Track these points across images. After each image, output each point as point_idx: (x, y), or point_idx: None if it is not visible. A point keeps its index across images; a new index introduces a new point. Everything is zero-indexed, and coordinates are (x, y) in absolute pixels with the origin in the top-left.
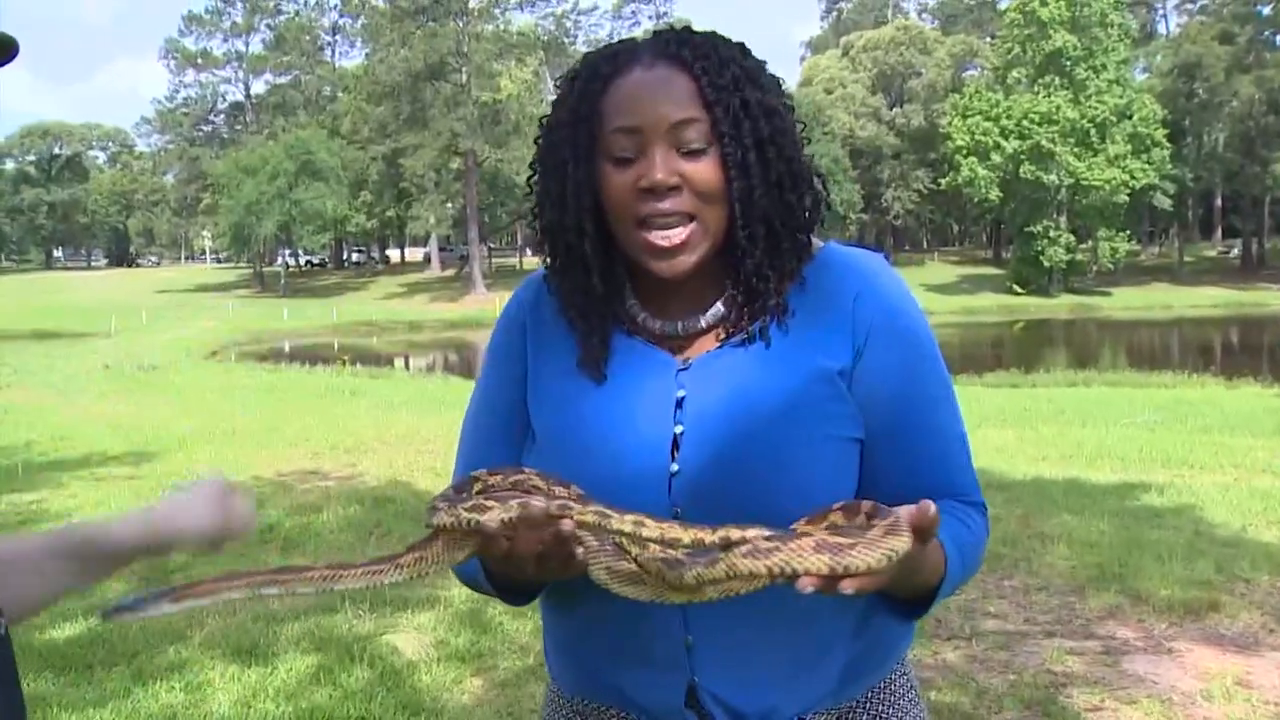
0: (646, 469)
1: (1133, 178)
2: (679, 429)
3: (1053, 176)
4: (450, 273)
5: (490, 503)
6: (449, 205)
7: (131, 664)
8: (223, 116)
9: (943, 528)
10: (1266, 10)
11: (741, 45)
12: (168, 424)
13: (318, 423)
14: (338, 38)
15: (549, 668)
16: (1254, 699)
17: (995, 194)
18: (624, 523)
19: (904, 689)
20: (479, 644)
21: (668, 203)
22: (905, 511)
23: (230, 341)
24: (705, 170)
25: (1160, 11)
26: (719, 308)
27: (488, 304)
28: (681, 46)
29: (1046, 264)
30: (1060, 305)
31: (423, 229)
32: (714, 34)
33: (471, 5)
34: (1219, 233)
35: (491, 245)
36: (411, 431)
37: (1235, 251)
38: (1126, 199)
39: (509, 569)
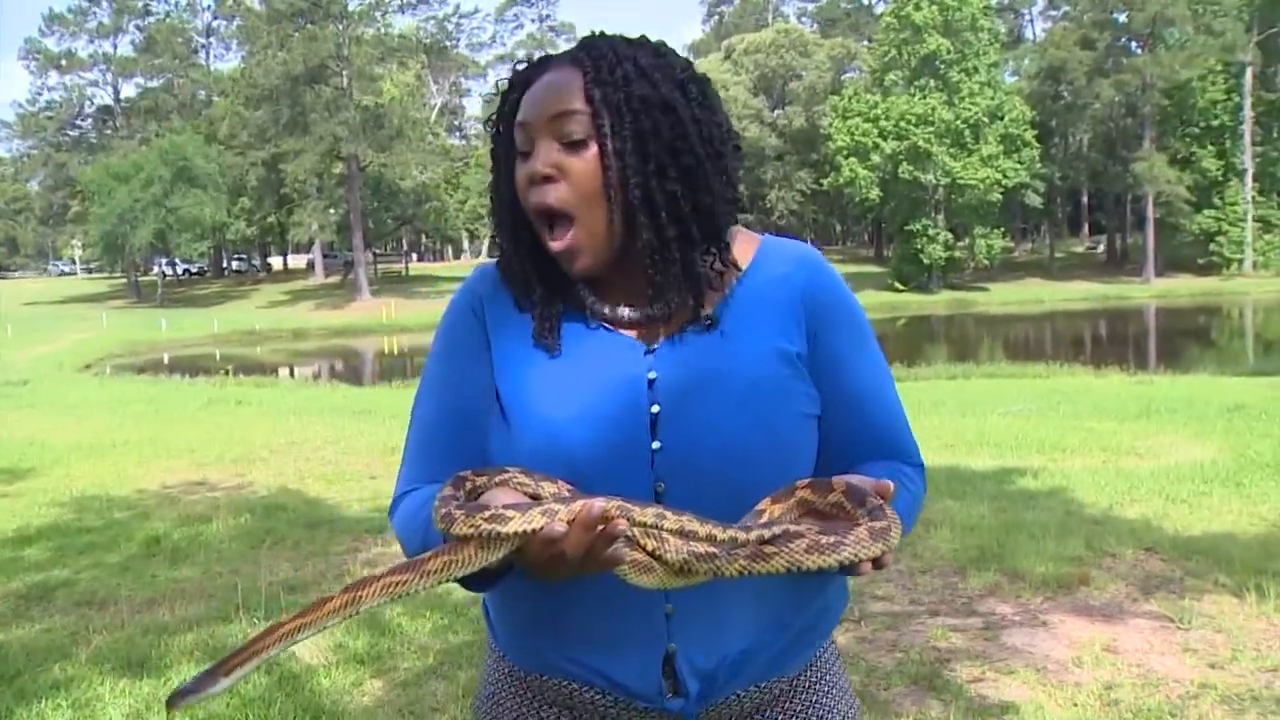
0: (629, 447)
1: (1005, 177)
2: (655, 408)
3: (930, 176)
4: (335, 279)
5: (510, 512)
6: (332, 211)
7: (13, 684)
8: (90, 121)
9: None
10: (1123, 18)
11: (650, 45)
12: (43, 439)
13: (203, 434)
14: (212, 40)
15: (499, 646)
16: (1119, 663)
17: (875, 193)
18: (645, 515)
19: (834, 655)
20: (378, 646)
21: (549, 196)
22: (871, 485)
23: (105, 354)
24: (582, 163)
25: (1027, 17)
26: (652, 302)
27: (373, 310)
28: (581, 49)
29: (926, 261)
30: (940, 301)
31: (305, 235)
32: (621, 36)
33: (351, 8)
34: (1086, 229)
35: (376, 251)
36: (300, 439)
37: (1101, 247)
38: (1000, 197)
39: (542, 568)
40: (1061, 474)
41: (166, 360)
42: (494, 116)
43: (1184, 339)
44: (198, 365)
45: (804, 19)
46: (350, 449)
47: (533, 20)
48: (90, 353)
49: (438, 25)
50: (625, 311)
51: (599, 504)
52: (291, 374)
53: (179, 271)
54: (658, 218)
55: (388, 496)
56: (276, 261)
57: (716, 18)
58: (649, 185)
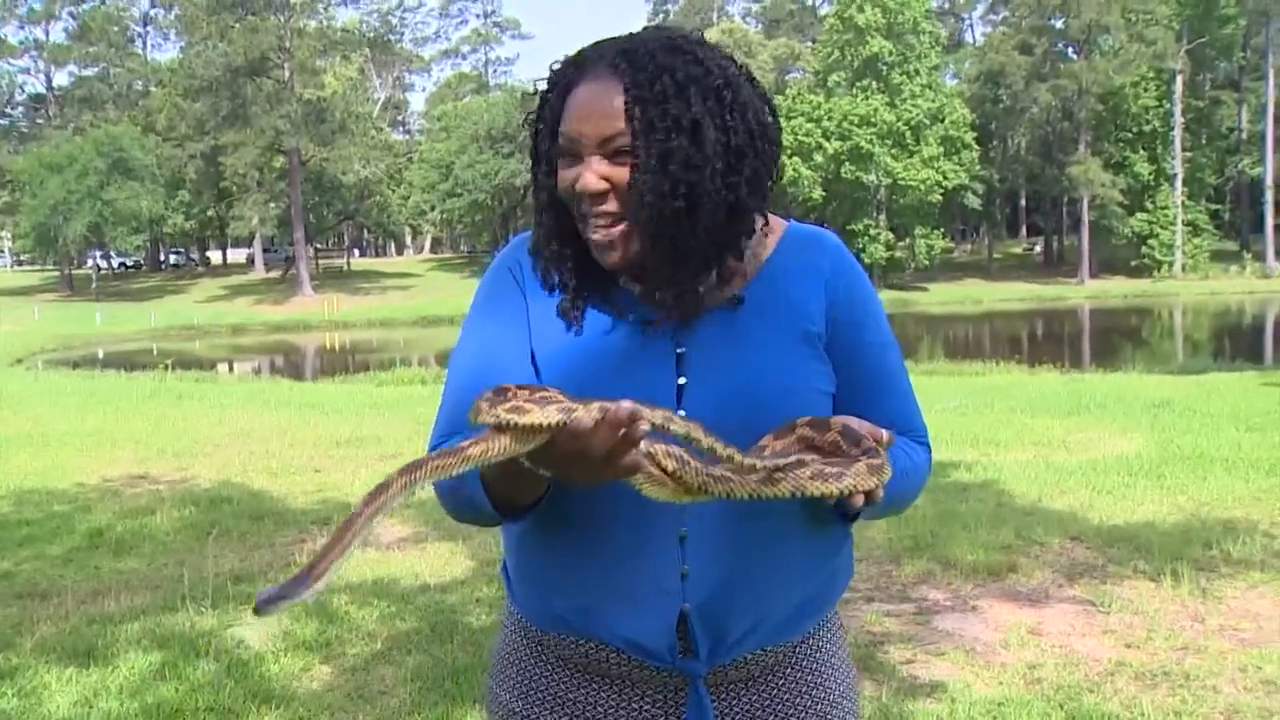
0: None
1: (945, 178)
2: (682, 380)
3: (872, 176)
4: (275, 274)
5: (530, 405)
6: (273, 205)
7: None
8: (21, 109)
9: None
10: (1060, 24)
11: (690, 51)
12: None
13: (144, 427)
14: (149, 29)
15: (520, 606)
16: (1043, 644)
17: (819, 193)
18: (655, 416)
19: (837, 625)
20: (326, 633)
21: (599, 205)
22: (868, 429)
23: (38, 348)
24: (626, 174)
25: (967, 21)
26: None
27: (315, 306)
28: (622, 58)
29: (867, 261)
30: (881, 300)
31: (245, 229)
32: (663, 41)
33: (293, 0)
34: (1024, 231)
35: (318, 246)
36: (243, 433)
37: (1038, 248)
38: (940, 198)
39: (564, 466)
40: (994, 467)
41: (102, 355)
42: (534, 117)
43: (1116, 338)
44: (135, 360)
45: (748, 19)
46: (295, 442)
47: (477, 15)
48: (21, 347)
49: (381, 19)
50: (654, 291)
51: (627, 404)
52: (230, 369)
53: (114, 265)
54: (665, 231)
55: (333, 489)
56: (215, 256)
57: (661, 15)
58: (661, 205)
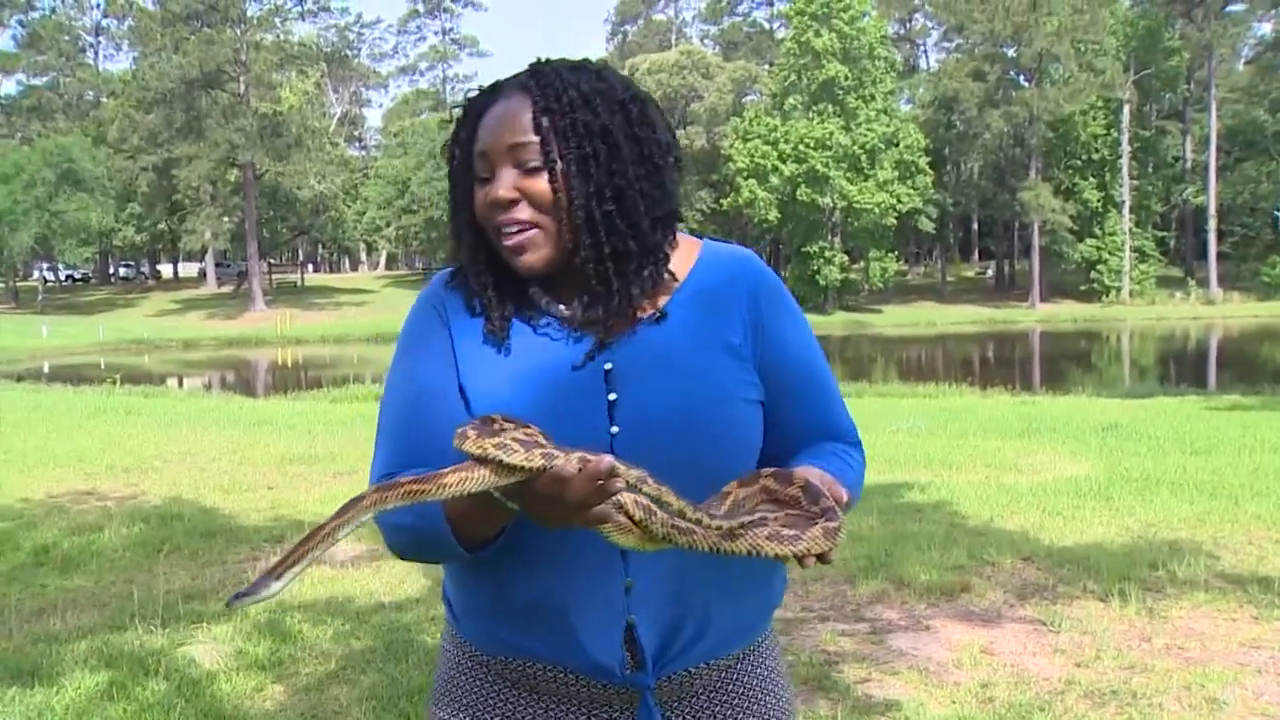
0: (590, 433)
1: (899, 202)
2: (612, 396)
3: (827, 199)
4: (228, 289)
5: (517, 445)
6: (226, 219)
7: None
8: None
9: (829, 469)
10: (1012, 52)
11: (593, 69)
12: None
13: (91, 443)
14: (101, 39)
15: (461, 632)
16: (995, 664)
17: (774, 215)
18: (630, 475)
19: (774, 643)
20: (279, 652)
21: (510, 214)
22: (828, 489)
23: None
24: (539, 184)
25: (922, 48)
26: (588, 301)
27: (268, 321)
28: (531, 77)
29: (822, 283)
30: (835, 322)
31: (198, 243)
32: (568, 62)
33: (250, 13)
34: (976, 254)
35: (272, 261)
36: (194, 449)
37: (990, 272)
38: (894, 222)
39: (539, 508)
40: (947, 488)
41: (47, 369)
42: (450, 141)
43: (1065, 362)
44: (82, 374)
45: (706, 41)
46: (246, 459)
47: (435, 32)
48: None
49: (339, 34)
50: (579, 310)
51: (608, 459)
52: (180, 384)
53: (61, 277)
54: (597, 234)
55: (286, 506)
56: (167, 270)
57: (620, 36)
58: (590, 206)
